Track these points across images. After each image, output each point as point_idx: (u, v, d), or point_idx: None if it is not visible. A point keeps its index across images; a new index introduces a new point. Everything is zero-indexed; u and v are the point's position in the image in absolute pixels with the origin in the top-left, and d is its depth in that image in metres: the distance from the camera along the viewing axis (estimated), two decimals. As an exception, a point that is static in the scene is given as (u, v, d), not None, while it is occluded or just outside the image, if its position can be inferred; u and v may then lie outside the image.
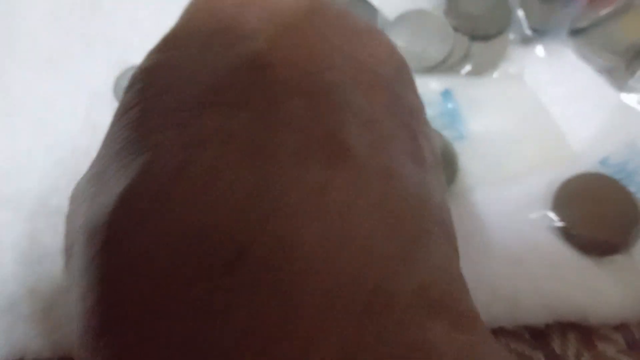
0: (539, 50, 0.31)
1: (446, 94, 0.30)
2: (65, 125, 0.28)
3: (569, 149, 0.28)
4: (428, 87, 0.30)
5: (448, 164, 0.27)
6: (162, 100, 0.13)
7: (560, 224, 0.25)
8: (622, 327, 0.24)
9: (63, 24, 0.31)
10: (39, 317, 0.23)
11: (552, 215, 0.26)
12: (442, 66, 0.30)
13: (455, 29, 0.30)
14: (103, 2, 0.32)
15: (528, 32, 0.31)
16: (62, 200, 0.26)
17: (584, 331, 0.24)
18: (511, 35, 0.31)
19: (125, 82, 0.31)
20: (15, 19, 0.31)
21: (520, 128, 0.29)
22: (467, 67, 0.30)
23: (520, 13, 0.31)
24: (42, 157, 0.28)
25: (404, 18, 0.31)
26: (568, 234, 0.25)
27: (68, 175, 0.27)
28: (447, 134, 0.28)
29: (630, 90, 0.29)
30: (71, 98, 0.29)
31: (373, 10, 0.31)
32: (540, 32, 0.31)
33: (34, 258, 0.25)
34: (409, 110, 0.16)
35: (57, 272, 0.24)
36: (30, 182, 0.27)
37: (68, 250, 0.14)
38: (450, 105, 0.29)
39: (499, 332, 0.24)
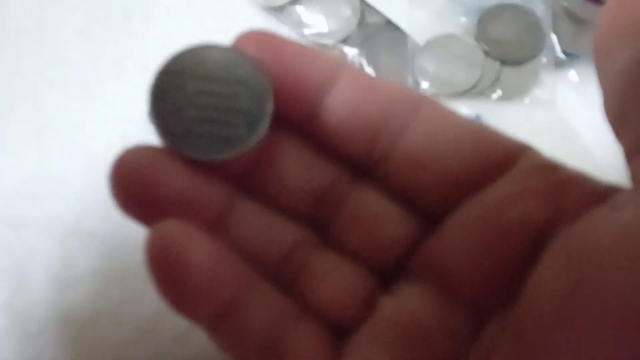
0: (572, 74, 0.31)
1: (476, 120, 0.29)
2: (99, 149, 0.28)
3: (601, 176, 0.27)
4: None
5: None
6: None
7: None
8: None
9: (93, 46, 0.32)
10: (70, 343, 0.23)
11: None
12: (473, 91, 0.30)
13: (486, 54, 0.30)
14: (134, 25, 0.32)
15: (560, 55, 0.31)
16: (95, 224, 0.27)
17: None
18: (543, 60, 0.30)
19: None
20: (46, 40, 0.32)
21: (551, 154, 0.28)
22: (498, 92, 0.30)
23: (553, 37, 0.31)
24: (74, 180, 0.28)
25: (433, 43, 0.31)
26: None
27: (102, 200, 0.27)
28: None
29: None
30: (104, 122, 0.29)
31: (403, 36, 0.31)
32: (572, 56, 0.31)
33: (67, 282, 0.25)
34: None
35: (90, 296, 0.24)
36: (61, 205, 0.27)
37: None
38: (480, 130, 0.29)
39: None
